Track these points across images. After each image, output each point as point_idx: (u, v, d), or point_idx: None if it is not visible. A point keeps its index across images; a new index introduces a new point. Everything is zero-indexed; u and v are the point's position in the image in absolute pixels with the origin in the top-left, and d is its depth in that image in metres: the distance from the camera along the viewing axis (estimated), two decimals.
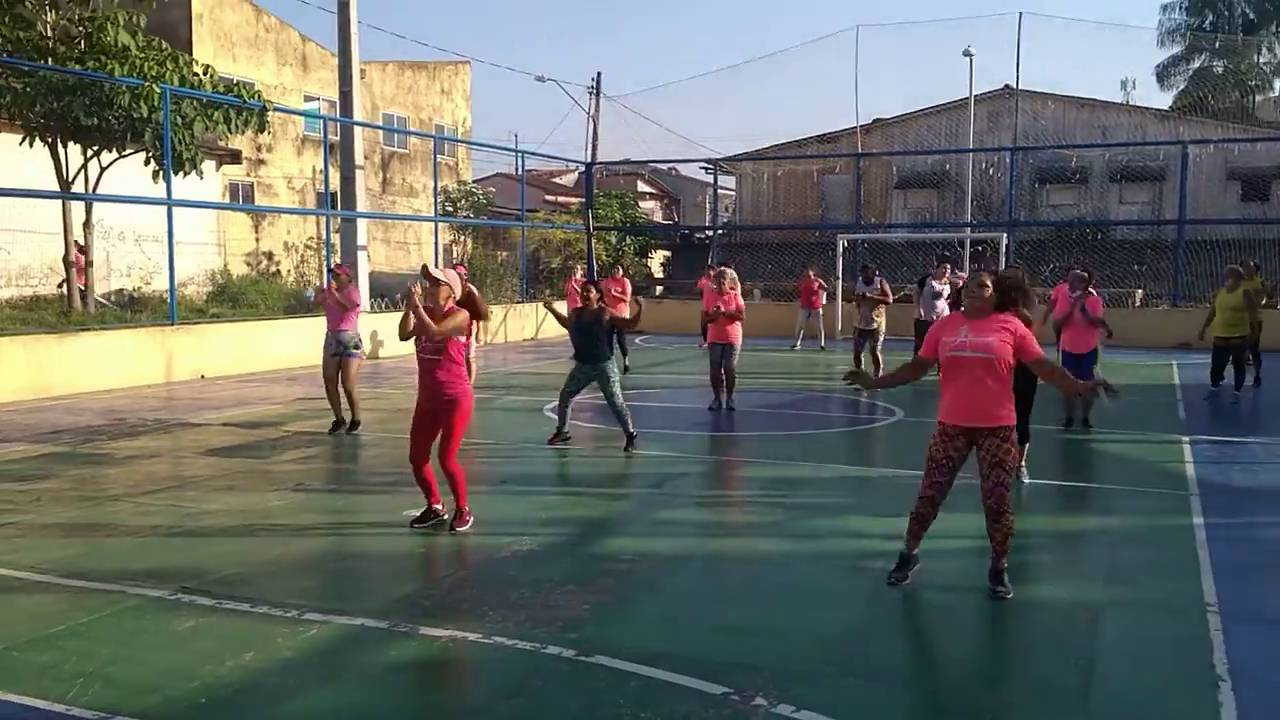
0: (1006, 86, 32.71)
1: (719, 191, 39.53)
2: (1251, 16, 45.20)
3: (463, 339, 6.65)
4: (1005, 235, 22.53)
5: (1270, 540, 6.79)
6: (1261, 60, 45.14)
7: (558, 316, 9.89)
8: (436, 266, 6.88)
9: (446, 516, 6.82)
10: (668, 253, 38.10)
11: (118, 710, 4.03)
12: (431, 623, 5.00)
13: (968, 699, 4.40)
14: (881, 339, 13.98)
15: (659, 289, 33.65)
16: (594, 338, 9.48)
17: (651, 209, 47.63)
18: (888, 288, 14.17)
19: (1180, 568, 6.07)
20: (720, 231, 33.94)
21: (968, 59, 28.36)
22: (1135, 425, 11.33)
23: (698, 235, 35.58)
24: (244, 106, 16.38)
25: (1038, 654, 4.88)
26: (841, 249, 23.12)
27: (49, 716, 3.99)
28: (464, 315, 6.61)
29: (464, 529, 6.65)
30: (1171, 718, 4.15)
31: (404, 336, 6.73)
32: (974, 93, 29.34)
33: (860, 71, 31.19)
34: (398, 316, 6.84)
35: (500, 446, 9.90)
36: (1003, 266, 21.17)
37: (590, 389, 9.82)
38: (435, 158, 22.61)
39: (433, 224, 23.00)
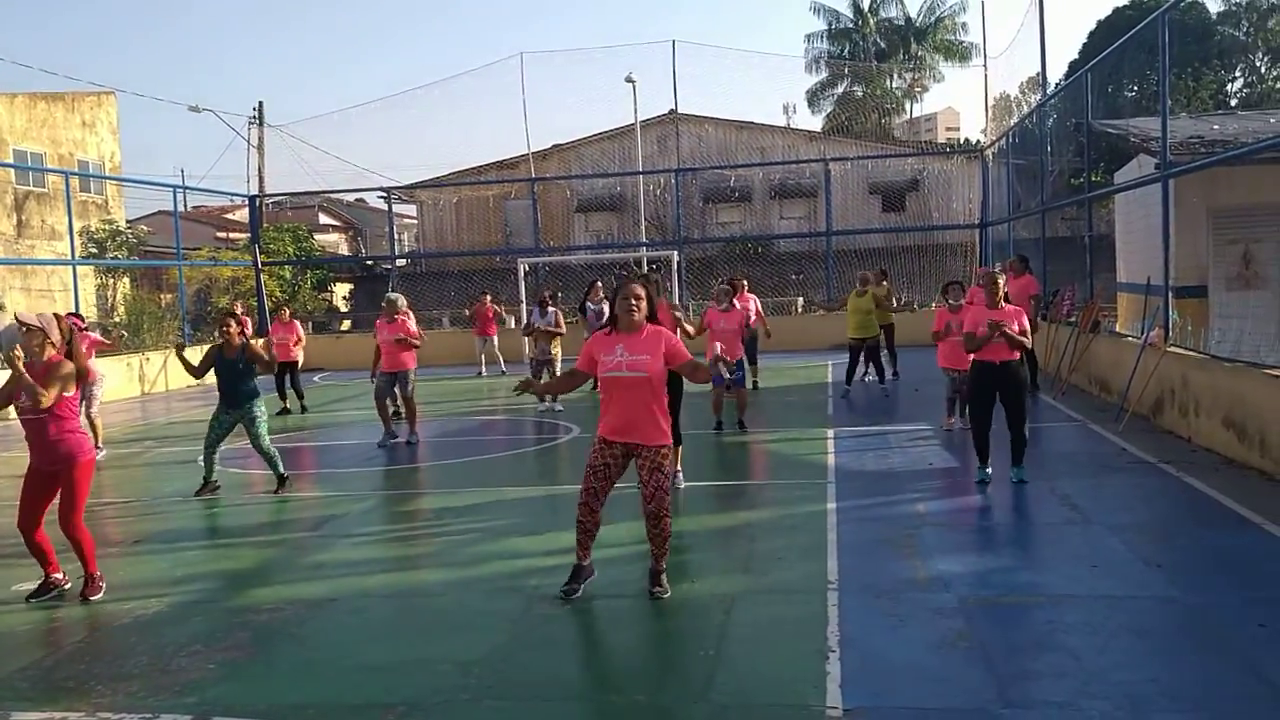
0: (671, 111, 34.42)
1: (403, 220, 38.85)
2: (883, 46, 50.38)
3: (70, 393, 6.05)
4: (676, 253, 23.63)
5: (890, 517, 7.45)
6: (894, 86, 50.45)
7: (188, 366, 9.18)
8: (35, 315, 6.21)
9: (69, 585, 6.19)
10: (351, 285, 36.97)
11: None
12: (27, 706, 4.48)
13: (596, 704, 4.47)
14: (558, 365, 14.19)
15: (344, 323, 32.60)
16: (238, 378, 8.94)
17: (336, 241, 46.02)
18: (561, 319, 14.37)
19: (810, 551, 6.53)
20: (404, 261, 33.33)
21: (631, 85, 29.61)
22: (787, 423, 12.17)
23: (383, 266, 34.79)
24: None
25: (673, 648, 5.07)
26: (523, 273, 23.35)
27: None
28: (70, 367, 6.03)
29: (97, 597, 6.06)
30: (782, 690, 4.41)
31: (3, 403, 6.08)
32: (640, 118, 30.65)
33: (530, 98, 31.65)
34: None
35: (140, 503, 9.12)
36: (675, 283, 22.21)
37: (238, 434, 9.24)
38: (68, 196, 20.63)
39: (73, 268, 21.00)
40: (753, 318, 13.49)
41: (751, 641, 5.01)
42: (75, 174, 27.65)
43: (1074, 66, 32.65)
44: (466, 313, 20.68)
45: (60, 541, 6.14)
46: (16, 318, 6.04)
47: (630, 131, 31.84)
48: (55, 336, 6.02)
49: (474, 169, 35.61)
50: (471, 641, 5.13)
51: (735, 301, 11.43)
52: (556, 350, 14.15)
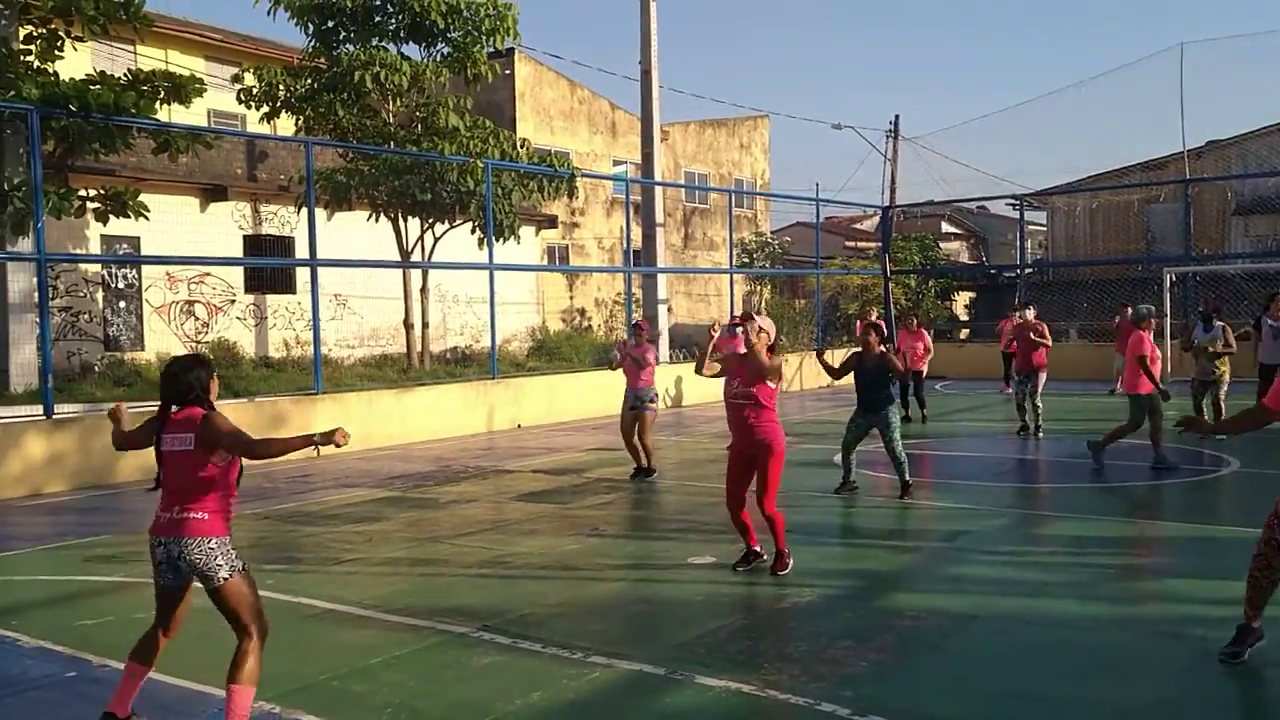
0: None
1: (1031, 228, 37.56)
2: None
3: (773, 385, 6.81)
4: None
5: None
6: None
7: (828, 368, 9.71)
8: (748, 317, 7.14)
9: (766, 559, 6.95)
10: (972, 294, 36.63)
11: None
12: (707, 672, 5.07)
13: None
14: (1225, 387, 12.70)
15: (963, 331, 32.41)
16: (875, 384, 9.31)
17: (957, 249, 46.04)
18: (1231, 336, 12.77)
19: None
20: (1029, 270, 32.19)
21: None
22: None
23: (1005, 275, 33.97)
24: (554, 175, 17.58)
25: None
26: (1169, 284, 21.25)
27: None
28: (779, 362, 6.91)
29: (784, 573, 6.77)
30: None
31: (701, 371, 7.06)
32: None
33: (1186, 92, 28.46)
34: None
35: (785, 495, 9.82)
36: None
37: (871, 436, 9.61)
38: (730, 211, 23.17)
39: (728, 276, 23.50)
40: None
41: None
42: (734, 191, 31.04)
43: None
44: (1116, 320, 19.33)
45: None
46: (754, 322, 6.94)
47: None
48: (771, 338, 6.91)
49: (1113, 172, 33.26)
50: (1133, 688, 4.76)
51: None
52: (1224, 369, 12.66)
